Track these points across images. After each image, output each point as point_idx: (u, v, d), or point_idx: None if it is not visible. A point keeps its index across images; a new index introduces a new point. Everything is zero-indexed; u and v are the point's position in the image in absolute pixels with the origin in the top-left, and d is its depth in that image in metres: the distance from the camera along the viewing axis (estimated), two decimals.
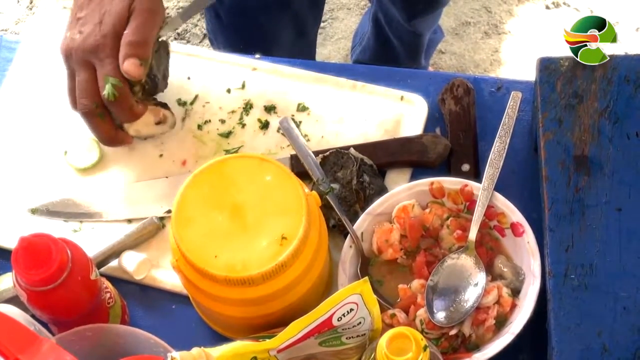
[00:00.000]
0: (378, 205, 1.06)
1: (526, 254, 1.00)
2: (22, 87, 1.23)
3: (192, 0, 1.17)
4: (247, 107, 1.18)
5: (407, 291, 1.02)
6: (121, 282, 1.07)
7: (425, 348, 0.83)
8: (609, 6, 2.33)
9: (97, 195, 1.14)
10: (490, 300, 0.99)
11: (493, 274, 1.02)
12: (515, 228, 1.02)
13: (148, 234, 1.10)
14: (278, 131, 1.16)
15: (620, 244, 0.94)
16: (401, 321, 1.00)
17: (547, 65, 1.05)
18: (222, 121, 1.18)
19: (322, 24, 2.21)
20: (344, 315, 0.90)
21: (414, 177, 1.12)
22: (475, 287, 1.00)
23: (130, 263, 1.07)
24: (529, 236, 1.00)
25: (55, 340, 0.90)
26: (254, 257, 0.91)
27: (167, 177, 1.14)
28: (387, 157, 1.12)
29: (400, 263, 1.05)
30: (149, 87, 1.10)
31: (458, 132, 1.13)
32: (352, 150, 1.10)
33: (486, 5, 2.38)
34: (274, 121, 1.17)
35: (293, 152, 1.12)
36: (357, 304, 0.90)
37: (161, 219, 1.11)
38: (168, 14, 1.13)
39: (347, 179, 1.07)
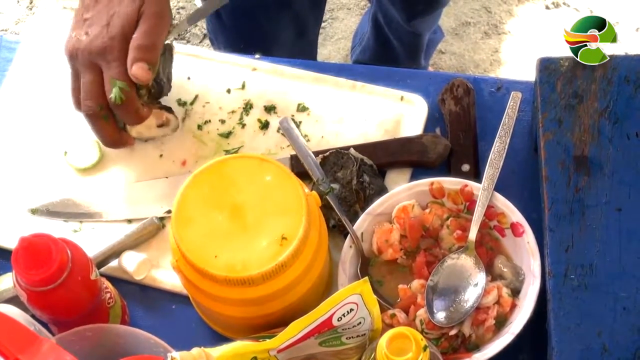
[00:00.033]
0: (378, 205, 1.06)
1: (526, 254, 1.00)
2: (22, 87, 1.23)
3: (199, 6, 1.17)
4: (247, 107, 1.18)
5: (407, 291, 1.02)
6: (121, 282, 1.07)
7: (425, 348, 0.83)
8: (609, 6, 2.33)
9: (97, 196, 1.14)
10: (490, 300, 0.99)
11: (493, 274, 1.02)
12: (515, 228, 1.02)
13: (148, 234, 1.10)
14: (278, 131, 1.16)
15: (620, 244, 0.94)
16: (401, 321, 1.00)
17: (547, 65, 1.05)
18: (222, 121, 1.18)
19: (322, 24, 2.21)
20: (344, 315, 0.90)
21: (414, 177, 1.12)
22: (475, 287, 1.00)
23: (130, 263, 1.07)
24: (529, 236, 1.00)
25: (55, 340, 0.90)
26: (254, 257, 0.91)
27: (167, 177, 1.14)
28: (387, 157, 1.12)
29: (400, 263, 1.05)
30: (155, 90, 1.10)
31: (458, 132, 1.13)
32: (352, 150, 1.10)
33: (486, 5, 2.38)
34: (274, 121, 1.17)
35: (293, 152, 1.12)
36: (357, 304, 0.91)
37: (161, 219, 1.11)
38: (174, 17, 1.13)
39: (347, 179, 1.07)
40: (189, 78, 1.21)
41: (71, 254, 0.93)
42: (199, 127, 1.18)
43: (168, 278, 1.07)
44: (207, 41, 2.28)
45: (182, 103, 1.19)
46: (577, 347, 0.90)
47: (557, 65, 1.05)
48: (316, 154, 1.11)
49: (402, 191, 1.06)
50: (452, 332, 0.98)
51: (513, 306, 0.99)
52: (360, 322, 0.92)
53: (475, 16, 2.36)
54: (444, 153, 1.11)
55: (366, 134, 1.15)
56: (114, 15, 1.06)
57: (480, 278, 1.00)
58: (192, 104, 1.19)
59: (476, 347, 0.98)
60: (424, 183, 1.06)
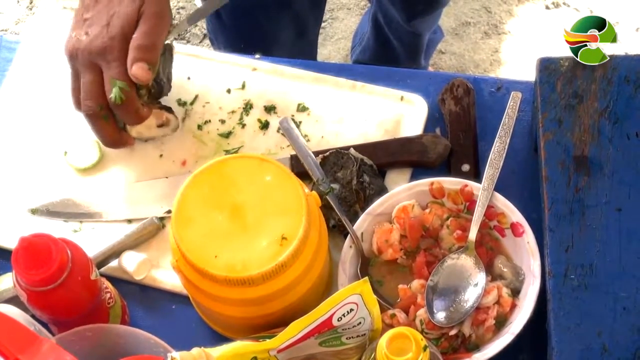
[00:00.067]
0: (378, 205, 1.06)
1: (526, 254, 1.00)
2: (22, 87, 1.23)
3: (199, 6, 1.17)
4: (247, 107, 1.18)
5: (407, 291, 1.02)
6: (121, 282, 1.07)
7: (425, 348, 0.83)
8: (609, 6, 2.33)
9: (97, 195, 1.14)
10: (490, 300, 0.99)
11: (493, 274, 1.02)
12: (515, 228, 1.02)
13: (148, 234, 1.10)
14: (278, 131, 1.16)
15: (620, 244, 0.94)
16: (401, 321, 1.00)
17: (547, 66, 1.05)
18: (222, 121, 1.18)
19: (322, 24, 2.21)
20: (344, 315, 0.90)
21: (414, 177, 1.12)
22: (475, 287, 1.00)
23: (130, 263, 1.07)
24: (529, 236, 1.00)
25: (55, 340, 0.90)
26: (254, 257, 0.91)
27: (167, 177, 1.14)
28: (387, 157, 1.12)
29: (400, 263, 1.05)
30: (155, 90, 1.10)
31: (458, 132, 1.13)
32: (352, 150, 1.10)
33: (486, 5, 2.38)
34: (274, 121, 1.17)
35: (293, 152, 1.12)
36: (357, 304, 0.91)
37: (161, 219, 1.11)
38: (174, 17, 1.13)
39: (347, 179, 1.07)
40: (189, 78, 1.21)
41: (71, 254, 0.93)
42: (199, 127, 1.18)
43: (168, 278, 1.07)
44: (207, 41, 2.28)
45: (182, 103, 1.19)
46: (577, 347, 0.90)
47: (557, 65, 1.05)
48: (316, 154, 1.11)
49: (402, 191, 1.06)
50: (452, 332, 0.98)
51: (513, 306, 0.99)
52: (360, 322, 0.92)
53: (475, 16, 2.36)
54: (444, 153, 1.11)
55: (366, 134, 1.15)
56: (114, 15, 1.06)
57: (480, 278, 1.00)
58: (192, 104, 1.19)
59: (476, 347, 0.98)
60: (424, 183, 1.06)
